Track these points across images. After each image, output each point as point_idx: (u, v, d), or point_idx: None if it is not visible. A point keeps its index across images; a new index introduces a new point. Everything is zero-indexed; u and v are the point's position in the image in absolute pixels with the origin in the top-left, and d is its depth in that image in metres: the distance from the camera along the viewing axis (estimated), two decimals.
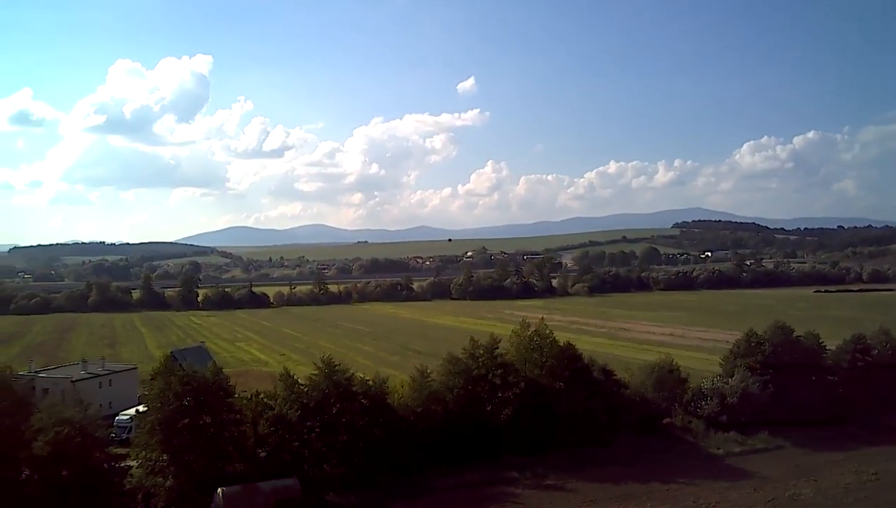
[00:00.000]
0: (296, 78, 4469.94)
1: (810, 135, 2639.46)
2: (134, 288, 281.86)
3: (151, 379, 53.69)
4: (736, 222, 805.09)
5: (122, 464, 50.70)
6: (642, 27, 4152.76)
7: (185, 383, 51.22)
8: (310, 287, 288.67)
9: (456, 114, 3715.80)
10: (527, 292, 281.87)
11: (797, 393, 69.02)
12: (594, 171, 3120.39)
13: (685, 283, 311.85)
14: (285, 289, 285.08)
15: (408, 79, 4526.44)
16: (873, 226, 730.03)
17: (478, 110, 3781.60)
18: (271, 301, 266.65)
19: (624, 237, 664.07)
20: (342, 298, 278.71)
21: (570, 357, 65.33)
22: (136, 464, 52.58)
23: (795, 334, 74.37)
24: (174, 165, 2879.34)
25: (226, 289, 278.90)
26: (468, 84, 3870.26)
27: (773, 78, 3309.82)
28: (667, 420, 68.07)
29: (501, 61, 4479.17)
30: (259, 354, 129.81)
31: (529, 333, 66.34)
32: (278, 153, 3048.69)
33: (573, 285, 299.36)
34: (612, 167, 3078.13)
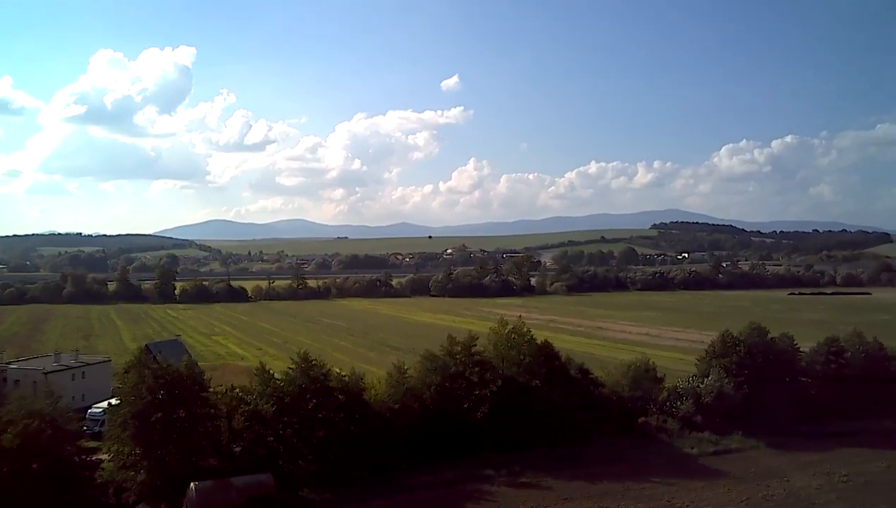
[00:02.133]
0: (279, 72, 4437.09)
1: (788, 139, 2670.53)
2: (110, 280, 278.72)
3: (125, 372, 52.90)
4: (713, 224, 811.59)
5: (93, 458, 50.04)
6: (626, 31, 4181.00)
7: (158, 376, 50.54)
8: (288, 281, 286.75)
9: (439, 112, 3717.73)
10: (506, 290, 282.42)
11: (771, 394, 69.50)
12: (575, 171, 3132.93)
13: (662, 284, 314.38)
14: (264, 284, 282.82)
15: (392, 75, 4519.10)
16: (848, 230, 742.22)
17: (461, 108, 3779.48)
18: (249, 295, 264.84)
19: (602, 237, 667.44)
20: (321, 293, 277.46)
21: (547, 355, 65.61)
22: (108, 458, 51.95)
23: (770, 336, 75.12)
24: (154, 157, 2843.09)
25: (203, 283, 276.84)
26: (452, 81, 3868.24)
27: (753, 82, 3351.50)
28: (642, 419, 68.39)
29: (486, 60, 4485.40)
30: (236, 348, 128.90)
31: (507, 331, 66.42)
32: (260, 147, 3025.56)
33: (552, 284, 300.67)
34: (593, 167, 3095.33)
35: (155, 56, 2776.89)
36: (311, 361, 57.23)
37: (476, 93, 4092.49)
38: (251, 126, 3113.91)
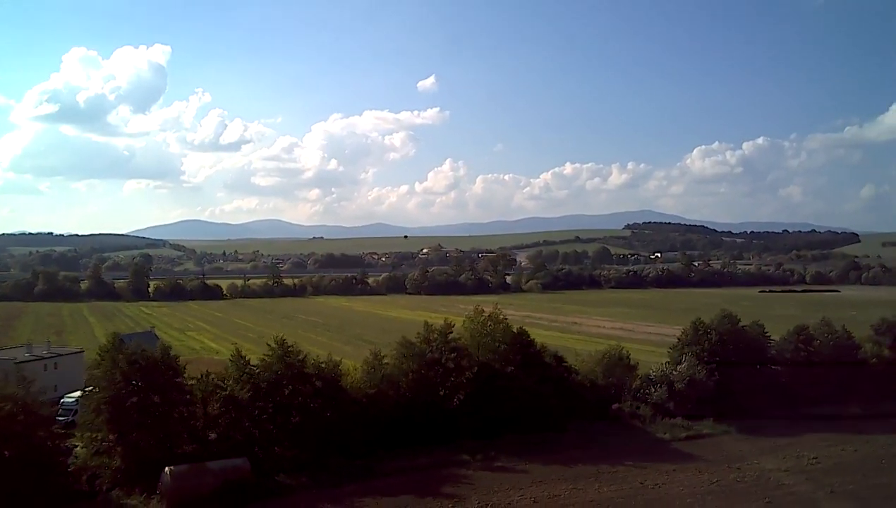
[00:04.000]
0: (255, 71, 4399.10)
1: (759, 141, 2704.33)
2: (83, 279, 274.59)
3: (98, 357, 52.46)
4: (686, 224, 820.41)
5: (66, 443, 49.62)
6: (601, 34, 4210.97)
7: (132, 362, 50.35)
8: (264, 280, 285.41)
9: (416, 112, 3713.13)
10: (481, 288, 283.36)
11: (742, 381, 70.96)
12: (550, 172, 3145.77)
13: (635, 282, 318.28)
14: (239, 282, 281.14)
15: (368, 75, 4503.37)
16: (817, 230, 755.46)
17: (438, 109, 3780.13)
18: (224, 293, 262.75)
19: (577, 237, 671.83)
20: (297, 291, 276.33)
21: (522, 342, 66.21)
22: (82, 445, 51.60)
23: (741, 324, 76.46)
24: (128, 156, 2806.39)
25: (178, 281, 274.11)
26: (429, 82, 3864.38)
27: (725, 84, 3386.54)
28: (616, 405, 69.27)
29: (462, 61, 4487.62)
30: (211, 343, 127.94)
31: (483, 318, 66.88)
32: (235, 147, 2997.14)
33: (527, 282, 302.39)
34: (568, 168, 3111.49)
35: (129, 54, 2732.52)
36: (288, 347, 57.24)
37: (452, 95, 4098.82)
38: (226, 125, 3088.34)
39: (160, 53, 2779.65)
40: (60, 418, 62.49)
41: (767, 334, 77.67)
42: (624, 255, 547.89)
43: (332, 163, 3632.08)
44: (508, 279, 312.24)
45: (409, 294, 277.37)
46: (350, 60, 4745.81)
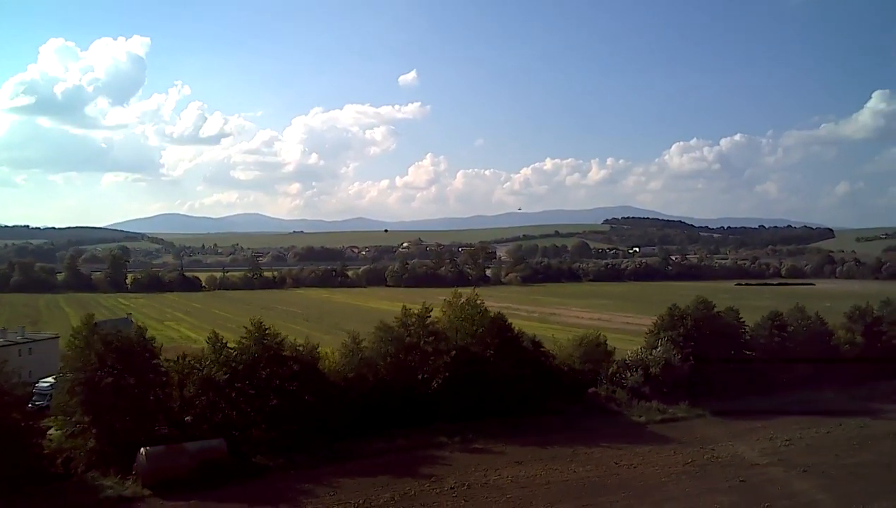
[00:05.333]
0: (236, 64, 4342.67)
1: (737, 137, 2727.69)
2: (59, 272, 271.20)
3: (72, 338, 51.98)
4: (664, 220, 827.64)
5: (41, 423, 49.20)
6: (580, 30, 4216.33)
7: (108, 343, 49.99)
8: (243, 272, 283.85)
9: (397, 107, 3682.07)
10: (461, 280, 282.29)
11: (717, 365, 72.00)
12: (530, 167, 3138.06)
13: (614, 275, 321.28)
14: (218, 274, 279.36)
15: (349, 69, 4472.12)
16: (793, 226, 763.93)
17: (419, 103, 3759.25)
18: (203, 285, 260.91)
19: (556, 232, 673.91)
20: (276, 283, 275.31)
21: (500, 326, 66.48)
22: (56, 428, 51.16)
23: (716, 310, 77.45)
24: (106, 149, 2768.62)
25: (156, 272, 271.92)
26: (410, 77, 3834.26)
27: (703, 81, 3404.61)
28: (592, 389, 69.86)
29: (444, 56, 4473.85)
30: (189, 332, 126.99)
31: (461, 303, 67.17)
32: (215, 140, 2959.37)
33: (507, 275, 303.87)
34: (548, 164, 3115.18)
35: (108, 46, 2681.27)
36: (265, 330, 57.14)
37: (433, 89, 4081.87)
38: (206, 118, 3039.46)
39: (139, 45, 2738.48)
40: (36, 403, 62.07)
41: (742, 320, 78.69)
42: (603, 250, 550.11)
43: (313, 157, 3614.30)
44: (488, 272, 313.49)
45: (389, 286, 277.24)
46: (331, 54, 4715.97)
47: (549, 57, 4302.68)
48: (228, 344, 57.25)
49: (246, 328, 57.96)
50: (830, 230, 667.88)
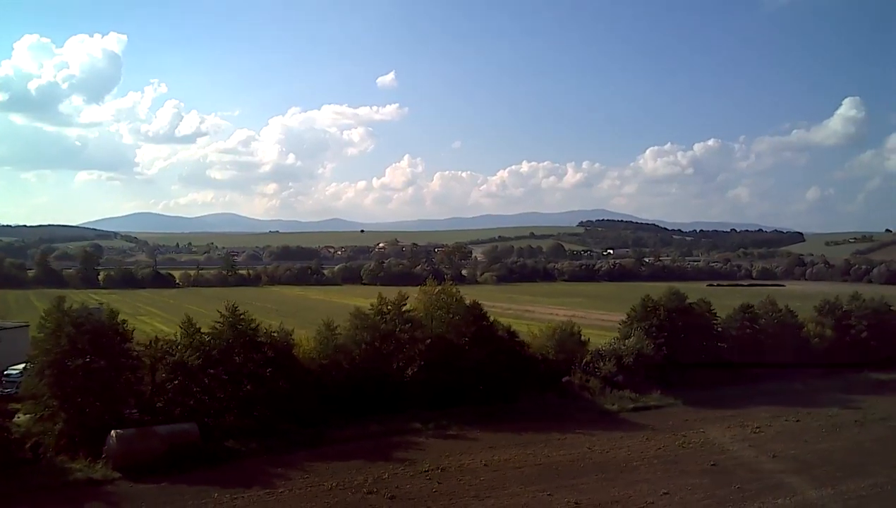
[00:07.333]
0: (213, 63, 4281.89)
1: (710, 142, 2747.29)
2: (30, 268, 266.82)
3: (42, 320, 51.26)
4: (637, 222, 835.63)
5: (8, 406, 48.43)
6: (556, 34, 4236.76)
7: (78, 324, 49.40)
8: (218, 269, 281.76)
9: (374, 108, 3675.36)
10: (437, 279, 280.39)
11: (689, 355, 72.97)
12: (507, 170, 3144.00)
13: (588, 275, 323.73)
14: (192, 271, 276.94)
15: (327, 70, 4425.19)
16: (764, 230, 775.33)
17: (397, 105, 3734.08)
18: (177, 282, 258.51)
19: (532, 233, 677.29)
20: (251, 281, 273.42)
21: (475, 315, 66.77)
22: (24, 412, 50.41)
23: (689, 302, 78.46)
24: (80, 147, 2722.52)
25: (129, 268, 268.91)
26: (388, 78, 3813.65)
27: (678, 86, 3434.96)
28: (566, 378, 70.29)
29: (422, 58, 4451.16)
30: (162, 326, 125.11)
31: (437, 290, 67.31)
32: (191, 139, 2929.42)
33: (482, 274, 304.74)
34: (525, 167, 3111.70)
35: (83, 42, 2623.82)
36: (240, 314, 56.79)
37: (412, 91, 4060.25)
38: (182, 117, 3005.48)
39: (115, 42, 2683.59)
40: (6, 390, 61.17)
41: (714, 311, 79.80)
42: (577, 251, 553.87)
43: (290, 158, 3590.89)
44: (464, 272, 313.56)
45: (365, 284, 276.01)
46: (309, 54, 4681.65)
47: (527, 61, 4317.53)
48: (202, 330, 56.82)
49: (220, 313, 57.46)
50: (800, 234, 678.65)
